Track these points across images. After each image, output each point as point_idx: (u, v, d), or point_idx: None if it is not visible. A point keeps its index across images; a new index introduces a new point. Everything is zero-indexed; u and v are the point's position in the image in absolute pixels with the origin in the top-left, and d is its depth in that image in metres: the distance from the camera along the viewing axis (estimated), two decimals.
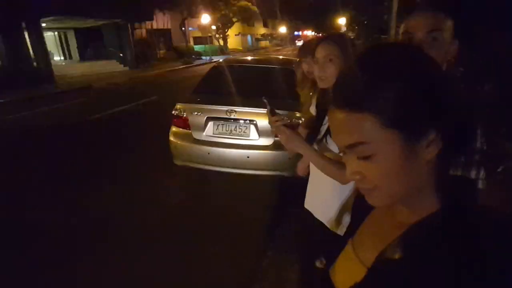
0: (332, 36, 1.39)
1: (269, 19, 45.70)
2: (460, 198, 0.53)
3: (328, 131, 1.38)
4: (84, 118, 7.78)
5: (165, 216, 3.34)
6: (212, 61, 24.74)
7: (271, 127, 1.31)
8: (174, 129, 3.72)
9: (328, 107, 0.54)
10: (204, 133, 3.55)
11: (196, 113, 3.54)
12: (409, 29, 1.07)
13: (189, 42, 29.06)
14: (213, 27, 29.76)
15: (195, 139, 3.58)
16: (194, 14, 26.76)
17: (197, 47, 28.73)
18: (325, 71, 1.35)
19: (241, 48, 37.90)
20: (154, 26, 24.63)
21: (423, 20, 1.06)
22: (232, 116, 3.45)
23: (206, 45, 27.77)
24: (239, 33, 39.27)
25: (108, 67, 19.13)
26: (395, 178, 0.50)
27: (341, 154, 0.58)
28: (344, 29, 30.99)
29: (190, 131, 3.60)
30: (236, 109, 3.42)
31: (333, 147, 1.38)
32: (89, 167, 4.72)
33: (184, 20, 26.72)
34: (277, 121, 1.30)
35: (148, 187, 4.01)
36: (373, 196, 0.53)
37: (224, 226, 3.14)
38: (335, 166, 1.28)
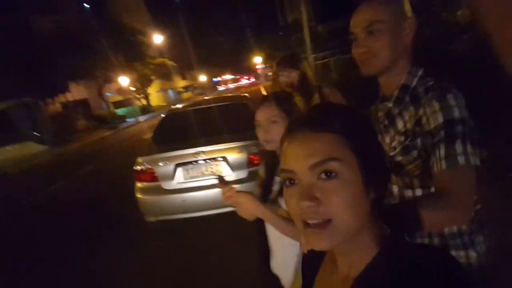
0: (272, 99, 1.39)
1: (186, 71, 46.81)
2: (395, 239, 0.55)
3: (281, 191, 1.33)
4: (19, 202, 6.83)
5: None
6: (139, 121, 24.19)
7: (224, 198, 1.23)
8: (139, 185, 3.47)
9: (289, 134, 0.56)
10: (174, 181, 3.38)
11: (161, 163, 3.37)
12: (351, 29, 1.01)
13: (110, 108, 28.12)
14: (132, 88, 29.37)
15: (166, 189, 3.38)
16: (110, 79, 26.20)
17: (119, 111, 27.87)
18: (270, 133, 1.34)
19: (164, 103, 37.71)
20: (70, 98, 23.42)
21: (360, 16, 0.98)
22: (200, 158, 3.35)
23: (129, 107, 27.12)
24: (160, 89, 39.30)
25: (24, 150, 17.36)
26: (350, 210, 0.50)
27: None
28: (260, 66, 33.11)
29: (158, 182, 3.39)
30: (203, 150, 3.35)
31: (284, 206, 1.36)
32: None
33: (101, 87, 25.96)
34: (229, 190, 1.22)
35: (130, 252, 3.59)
36: (325, 232, 0.51)
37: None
38: (293, 225, 1.24)
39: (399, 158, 0.96)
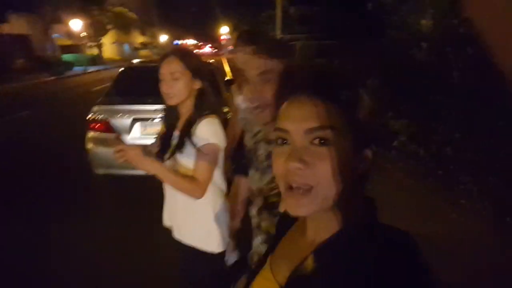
0: (176, 52, 1.43)
1: (147, 27, 43.90)
2: (366, 217, 0.56)
3: (178, 146, 1.39)
4: None
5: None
6: (88, 71, 22.40)
7: (116, 157, 1.26)
8: (91, 134, 3.30)
9: (288, 94, 0.57)
10: (129, 136, 3.26)
11: (119, 114, 3.22)
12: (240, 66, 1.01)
13: (56, 51, 25.55)
14: (84, 34, 26.93)
15: None
16: (60, 19, 23.70)
17: (66, 57, 25.39)
18: (172, 88, 1.37)
19: (118, 57, 35.23)
20: (7, 31, 20.81)
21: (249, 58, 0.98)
22: (159, 116, 3.27)
23: (79, 54, 24.91)
24: (116, 41, 36.50)
25: None
26: (335, 179, 0.51)
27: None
28: (225, 37, 32.17)
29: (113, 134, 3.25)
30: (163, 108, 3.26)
31: (184, 161, 1.39)
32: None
33: (48, 25, 23.38)
34: (120, 147, 1.26)
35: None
36: (305, 199, 0.52)
37: None
38: (188, 181, 1.32)
39: (274, 199, 0.99)
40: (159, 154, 1.47)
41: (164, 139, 1.50)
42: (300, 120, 0.53)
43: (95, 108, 3.30)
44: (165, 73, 1.37)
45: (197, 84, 1.42)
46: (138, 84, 3.67)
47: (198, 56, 1.51)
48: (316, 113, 0.52)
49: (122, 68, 4.17)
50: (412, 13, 5.14)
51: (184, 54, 1.42)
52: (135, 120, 3.27)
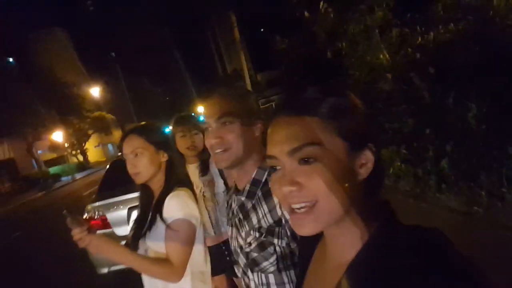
0: (135, 128, 1.35)
1: (126, 124, 45.31)
2: (388, 222, 0.53)
3: (148, 227, 1.28)
4: None
5: None
6: (76, 179, 22.40)
7: (75, 240, 1.16)
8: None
9: (269, 119, 0.57)
10: (128, 226, 3.16)
11: (114, 208, 3.16)
12: (205, 119, 0.99)
13: (41, 167, 25.77)
14: (67, 145, 27.52)
15: (119, 236, 3.13)
16: (41, 136, 24.33)
17: (53, 169, 25.63)
18: (136, 166, 1.28)
19: (104, 158, 35.71)
20: None
21: (212, 106, 0.97)
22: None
23: (64, 164, 25.13)
24: (99, 143, 37.33)
25: None
26: (335, 192, 0.49)
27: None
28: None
29: (111, 229, 3.15)
30: None
31: (156, 243, 1.26)
32: None
33: (30, 145, 23.87)
34: (81, 232, 1.15)
35: None
36: (309, 217, 0.50)
37: None
38: (160, 265, 1.19)
39: (254, 255, 0.94)
40: (133, 239, 1.34)
41: (138, 222, 1.38)
42: (281, 143, 0.52)
43: (89, 207, 3.24)
44: (127, 153, 1.29)
45: (164, 157, 1.33)
46: (126, 174, 3.68)
47: (159, 128, 1.44)
48: (295, 132, 0.51)
49: (111, 162, 4.22)
50: (368, 51, 5.56)
51: (143, 129, 1.35)
52: (131, 209, 3.20)
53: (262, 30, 30.04)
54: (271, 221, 0.92)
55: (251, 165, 0.99)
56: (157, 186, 1.33)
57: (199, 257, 1.34)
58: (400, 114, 4.71)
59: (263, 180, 0.98)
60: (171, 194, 1.27)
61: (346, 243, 0.54)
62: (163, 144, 1.35)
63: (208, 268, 1.40)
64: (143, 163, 1.28)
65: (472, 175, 3.45)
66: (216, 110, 0.95)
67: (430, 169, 4.01)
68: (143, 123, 1.47)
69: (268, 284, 0.94)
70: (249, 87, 16.18)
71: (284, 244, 0.90)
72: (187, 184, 1.38)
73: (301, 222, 0.51)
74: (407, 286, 0.44)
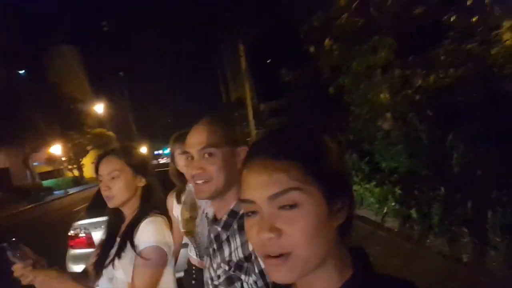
0: (114, 149, 1.31)
1: (127, 142, 45.26)
2: (362, 271, 0.53)
3: (117, 253, 1.23)
4: None
5: None
6: (68, 194, 22.10)
7: (17, 276, 1.07)
8: (72, 253, 3.07)
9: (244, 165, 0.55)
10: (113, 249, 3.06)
11: (101, 227, 3.07)
12: (186, 148, 0.98)
13: (35, 179, 25.50)
14: (64, 159, 27.39)
15: None
16: (39, 148, 24.27)
17: (46, 182, 25.33)
18: (111, 189, 1.23)
19: None
20: None
21: (195, 137, 0.96)
22: None
23: (59, 178, 24.87)
24: None
25: None
26: (312, 241, 0.48)
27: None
28: None
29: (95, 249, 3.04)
30: None
31: (122, 272, 1.20)
32: None
33: (27, 156, 23.76)
34: (24, 267, 1.07)
35: None
36: (285, 266, 0.49)
37: None
38: None
39: None
40: (97, 267, 1.27)
41: (103, 247, 1.31)
42: (261, 187, 0.50)
43: (76, 224, 3.16)
44: (103, 174, 1.23)
45: (141, 182, 1.28)
46: None
47: (139, 151, 1.41)
48: (276, 176, 0.49)
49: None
50: (370, 90, 5.67)
51: (123, 150, 1.29)
52: None
53: (268, 61, 30.88)
54: (241, 255, 0.90)
55: (232, 196, 0.97)
56: (130, 211, 1.28)
57: (171, 285, 1.27)
58: (398, 154, 4.73)
59: (240, 212, 0.95)
60: (146, 220, 1.21)
61: None
62: (142, 168, 1.30)
63: None
64: (118, 187, 1.22)
65: (465, 221, 3.40)
66: (199, 141, 0.94)
67: (424, 211, 3.96)
68: (123, 144, 1.43)
69: None
70: (250, 116, 16.34)
71: (251, 281, 0.87)
72: (163, 210, 1.33)
73: (277, 269, 0.49)
74: None
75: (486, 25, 4.48)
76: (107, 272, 1.23)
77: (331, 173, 0.51)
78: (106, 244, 1.30)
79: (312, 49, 6.98)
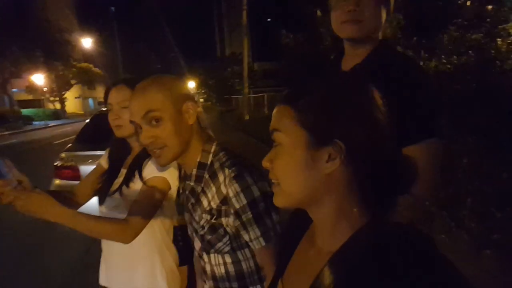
0: (127, 80, 1.28)
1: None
2: (379, 218, 0.55)
3: (126, 180, 1.22)
4: None
5: None
6: (48, 126, 21.63)
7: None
8: (57, 182, 3.09)
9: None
10: None
11: (89, 161, 3.08)
12: (131, 118, 0.96)
13: (14, 105, 24.67)
14: (45, 89, 26.43)
15: None
16: (20, 74, 23.25)
17: (26, 111, 24.57)
18: (121, 118, 1.22)
19: (82, 112, 34.49)
20: None
21: (135, 105, 0.93)
22: None
23: (39, 109, 24.15)
24: (80, 95, 36.05)
25: None
26: (292, 177, 0.55)
27: None
28: (193, 92, 32.81)
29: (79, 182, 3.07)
30: None
31: (127, 203, 1.18)
32: None
33: (6, 80, 22.76)
34: (5, 185, 0.93)
35: None
36: (276, 192, 0.58)
37: None
38: (111, 222, 1.06)
39: (208, 237, 0.96)
40: (101, 192, 1.29)
41: (108, 175, 1.31)
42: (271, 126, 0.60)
43: (63, 155, 3.14)
44: (113, 103, 1.22)
45: None
46: (106, 131, 3.59)
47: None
48: (274, 117, 0.58)
49: (94, 115, 4.09)
50: None
51: (135, 82, 1.22)
52: None
53: (268, 20, 29.81)
54: (217, 201, 0.94)
55: (195, 150, 0.98)
56: (136, 144, 1.27)
57: (163, 226, 1.29)
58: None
59: (209, 163, 0.98)
60: None
61: (333, 233, 0.55)
62: None
63: (173, 251, 1.35)
64: (128, 116, 1.15)
65: (443, 206, 3.54)
66: (140, 108, 0.91)
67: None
68: (134, 76, 1.36)
69: (224, 263, 0.99)
70: (245, 72, 16.02)
71: (230, 222, 0.93)
72: None
73: (275, 195, 0.59)
74: (387, 284, 0.46)
75: (495, 17, 4.43)
76: (109, 200, 1.26)
77: (318, 123, 0.53)
78: (110, 174, 1.31)
79: (319, 12, 6.77)
